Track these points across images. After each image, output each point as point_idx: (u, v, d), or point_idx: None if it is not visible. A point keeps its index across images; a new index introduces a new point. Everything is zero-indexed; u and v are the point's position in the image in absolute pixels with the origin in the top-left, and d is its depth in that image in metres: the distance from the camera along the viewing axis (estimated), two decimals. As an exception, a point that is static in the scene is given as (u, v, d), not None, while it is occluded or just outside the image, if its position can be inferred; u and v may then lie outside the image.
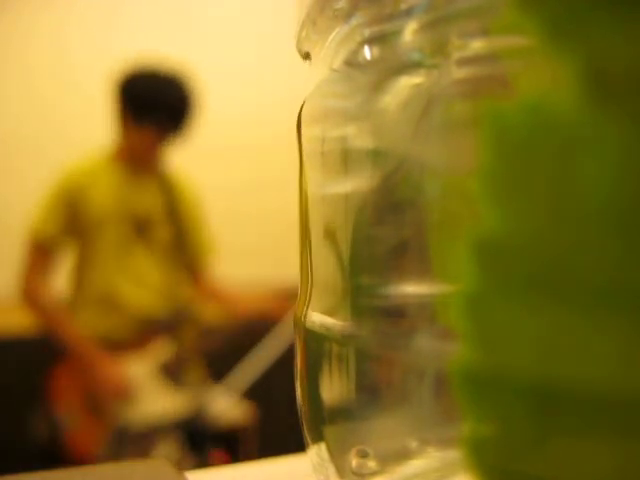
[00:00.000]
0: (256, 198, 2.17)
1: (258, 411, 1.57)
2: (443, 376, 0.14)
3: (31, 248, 1.43)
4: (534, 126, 0.12)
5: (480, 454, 0.13)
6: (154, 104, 1.42)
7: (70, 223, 1.42)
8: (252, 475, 0.26)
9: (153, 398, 1.41)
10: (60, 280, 1.50)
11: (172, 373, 1.45)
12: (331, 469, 0.17)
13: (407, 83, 0.15)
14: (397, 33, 0.15)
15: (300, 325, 0.18)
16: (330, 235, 0.17)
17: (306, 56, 0.20)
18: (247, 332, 1.52)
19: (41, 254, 1.43)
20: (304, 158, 0.19)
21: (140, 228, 1.46)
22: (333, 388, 0.17)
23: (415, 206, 0.14)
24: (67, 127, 2.10)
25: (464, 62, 0.13)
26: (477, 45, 0.14)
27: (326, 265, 0.17)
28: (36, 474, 0.22)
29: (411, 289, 0.15)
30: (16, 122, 2.08)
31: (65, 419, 1.41)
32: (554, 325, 0.12)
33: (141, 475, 0.21)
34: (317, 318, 0.17)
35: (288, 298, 1.55)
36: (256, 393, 1.54)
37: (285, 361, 1.49)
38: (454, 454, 0.14)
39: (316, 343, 0.18)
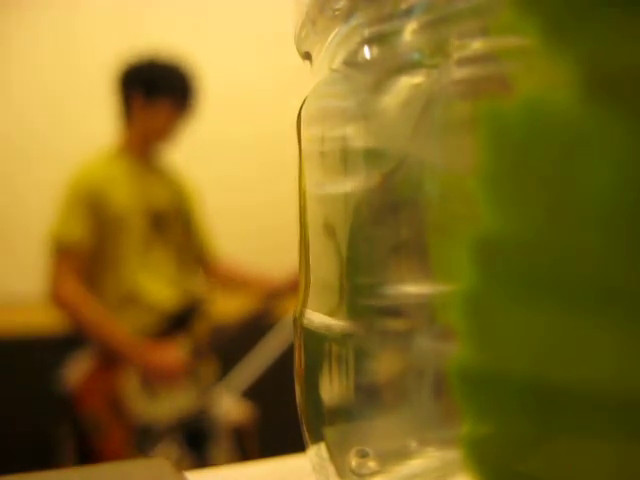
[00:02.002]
0: (254, 191, 2.16)
1: (258, 411, 1.57)
2: (442, 376, 0.14)
3: (60, 253, 1.39)
4: (533, 126, 0.12)
5: (479, 454, 0.13)
6: (167, 77, 1.44)
7: (95, 222, 1.40)
8: (252, 475, 0.26)
9: (173, 395, 1.42)
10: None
11: (189, 369, 1.45)
12: (331, 469, 0.17)
13: (407, 83, 0.15)
14: (397, 33, 0.15)
15: (298, 324, 0.18)
16: (329, 235, 0.17)
17: (306, 56, 0.20)
18: (257, 326, 1.52)
19: (70, 258, 1.39)
20: (303, 158, 0.19)
21: (157, 222, 1.46)
22: (333, 388, 0.17)
23: (414, 206, 0.14)
24: (75, 124, 2.10)
25: (464, 62, 0.13)
26: (477, 45, 0.14)
27: (326, 265, 0.17)
28: (36, 474, 0.22)
29: (410, 289, 0.15)
30: (23, 120, 2.08)
31: (92, 423, 1.41)
32: (553, 325, 0.12)
33: (141, 475, 0.21)
34: (317, 318, 0.17)
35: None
36: (256, 393, 1.54)
37: (285, 361, 1.49)
38: (454, 454, 0.14)
39: (316, 343, 0.18)
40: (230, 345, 1.52)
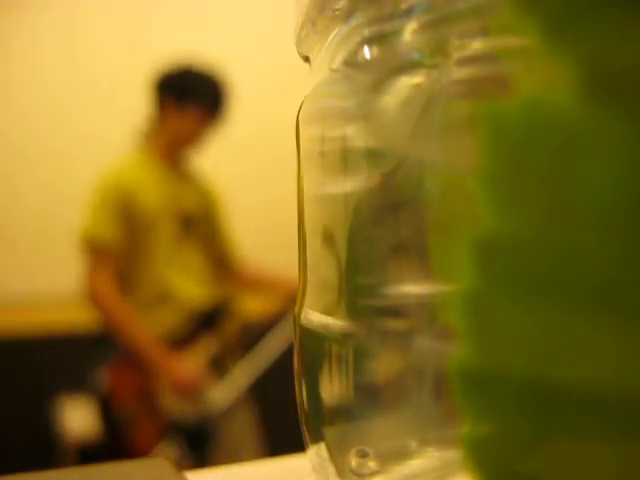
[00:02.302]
0: (275, 189, 2.17)
1: (258, 410, 1.57)
2: (442, 376, 0.14)
3: (92, 251, 1.45)
4: (533, 126, 0.12)
5: (479, 454, 0.13)
6: (197, 85, 1.50)
7: (124, 224, 1.45)
8: (252, 475, 0.26)
9: (206, 393, 1.45)
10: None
11: (219, 367, 1.49)
12: (331, 469, 0.17)
13: (407, 83, 0.15)
14: (397, 33, 0.15)
15: (298, 324, 0.18)
16: (329, 235, 0.17)
17: (306, 59, 0.20)
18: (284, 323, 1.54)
19: (102, 256, 1.45)
20: (302, 158, 0.19)
21: (187, 224, 1.51)
22: (333, 388, 0.17)
23: (414, 206, 0.14)
24: (75, 124, 2.10)
25: (464, 62, 0.13)
26: (477, 45, 0.14)
27: (326, 265, 0.17)
28: (36, 474, 0.22)
29: (411, 289, 0.15)
30: (23, 120, 2.09)
31: (124, 416, 1.45)
32: (553, 325, 0.12)
33: (141, 475, 0.21)
34: (316, 317, 0.17)
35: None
36: (256, 393, 1.54)
37: (285, 361, 1.49)
38: (454, 454, 0.14)
39: (315, 343, 0.18)
40: (258, 344, 1.54)
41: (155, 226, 1.47)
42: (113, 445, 1.46)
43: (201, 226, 1.54)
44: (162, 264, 1.48)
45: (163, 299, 1.48)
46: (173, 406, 1.43)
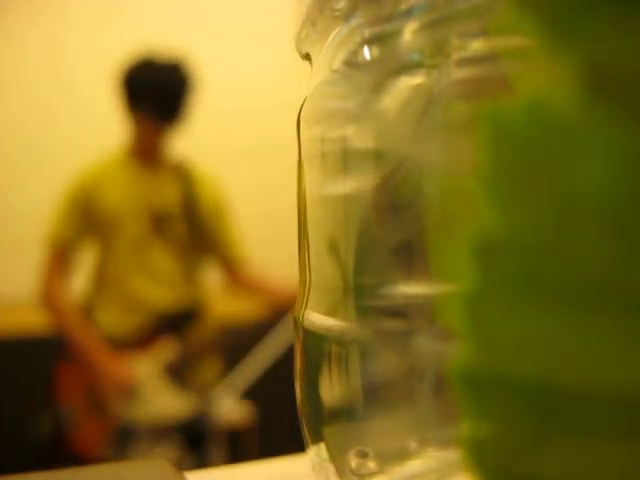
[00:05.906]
0: (270, 193, 2.15)
1: (258, 411, 1.57)
2: (443, 376, 0.14)
3: (50, 252, 1.45)
4: (533, 126, 0.12)
5: (479, 454, 0.13)
6: (148, 92, 1.45)
7: (86, 224, 1.44)
8: (252, 475, 0.26)
9: (158, 397, 1.42)
10: (79, 281, 1.52)
11: (177, 372, 1.46)
12: (331, 469, 0.17)
13: (407, 83, 0.15)
14: (397, 33, 0.15)
15: (299, 325, 0.18)
16: (331, 236, 0.17)
17: (306, 57, 0.20)
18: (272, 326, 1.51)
19: (59, 257, 1.45)
20: (303, 159, 0.19)
21: (157, 223, 1.47)
22: (333, 388, 0.17)
23: (415, 206, 0.14)
24: (67, 128, 2.11)
25: (464, 62, 0.13)
26: (477, 45, 0.14)
27: (326, 266, 0.17)
28: (36, 474, 0.22)
29: (411, 289, 0.15)
30: (15, 125, 2.09)
31: (69, 416, 1.44)
32: (553, 325, 0.12)
33: (141, 475, 0.21)
34: (317, 319, 0.17)
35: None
36: (256, 393, 1.54)
37: (285, 361, 1.49)
38: (454, 454, 0.14)
39: (316, 343, 0.18)
40: (240, 348, 1.52)
41: (119, 226, 1.44)
42: (55, 443, 1.46)
43: (177, 224, 1.49)
44: (126, 265, 1.46)
45: (125, 301, 1.46)
46: (121, 409, 1.40)
